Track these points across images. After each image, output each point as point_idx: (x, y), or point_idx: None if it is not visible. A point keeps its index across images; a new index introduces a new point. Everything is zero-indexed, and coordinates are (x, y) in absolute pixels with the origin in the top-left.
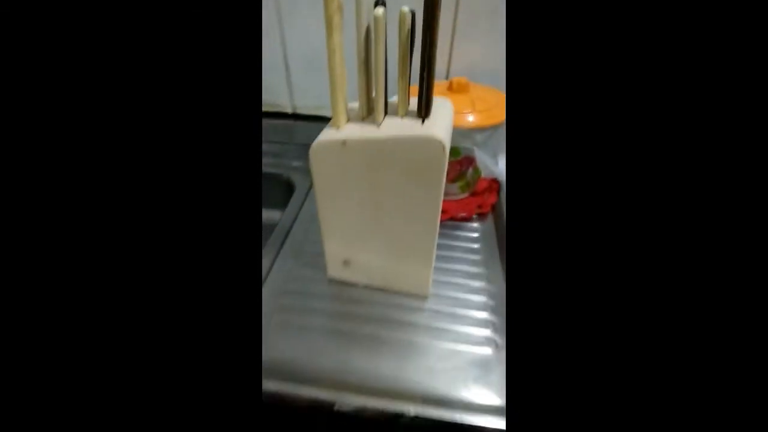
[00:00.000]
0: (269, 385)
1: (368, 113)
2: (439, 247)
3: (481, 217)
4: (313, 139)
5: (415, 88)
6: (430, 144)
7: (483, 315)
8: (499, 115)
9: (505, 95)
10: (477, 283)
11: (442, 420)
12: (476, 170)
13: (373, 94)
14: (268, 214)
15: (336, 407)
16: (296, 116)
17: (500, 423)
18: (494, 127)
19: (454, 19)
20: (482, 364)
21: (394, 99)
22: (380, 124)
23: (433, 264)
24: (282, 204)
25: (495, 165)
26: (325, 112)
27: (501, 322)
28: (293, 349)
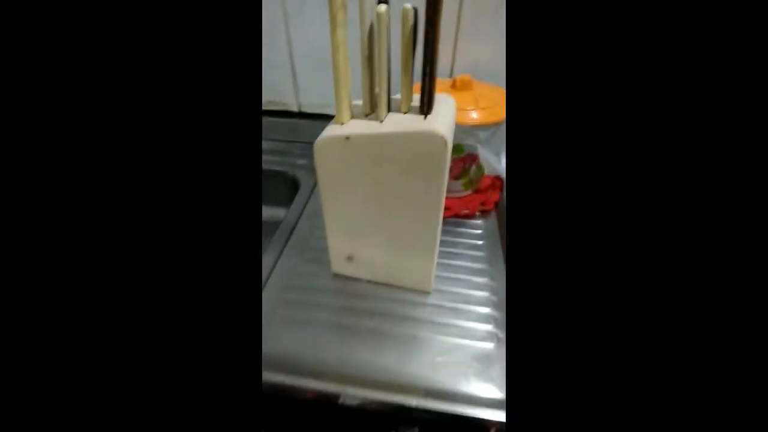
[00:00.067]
0: (273, 377)
1: (372, 110)
2: (443, 243)
3: (484, 214)
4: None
5: (418, 85)
6: (431, 139)
7: (485, 310)
8: (502, 112)
9: None
10: (480, 279)
11: (444, 412)
12: (479, 167)
13: (377, 91)
14: (274, 212)
15: (340, 400)
16: (302, 115)
17: (501, 416)
18: (497, 125)
19: (458, 18)
20: (484, 358)
21: (397, 96)
22: (383, 120)
23: (436, 259)
24: (287, 201)
25: (498, 162)
26: (330, 111)
27: (503, 317)
28: (297, 342)
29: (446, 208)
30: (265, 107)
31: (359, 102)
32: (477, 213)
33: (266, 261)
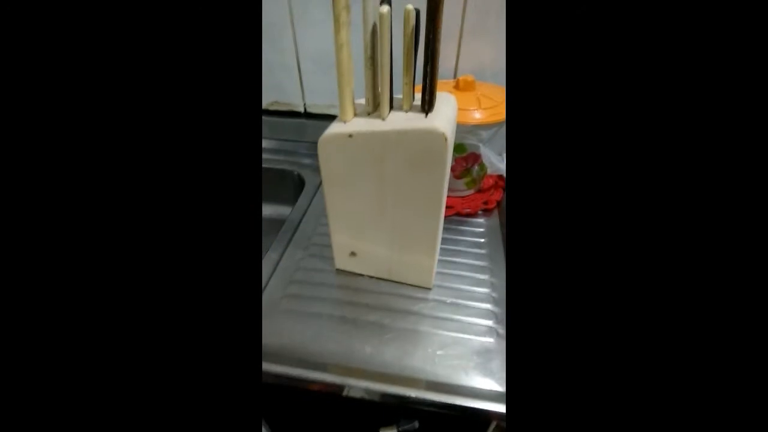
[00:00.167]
0: (276, 368)
1: (374, 108)
2: (445, 241)
3: (486, 212)
4: None
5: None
6: (432, 136)
7: (486, 306)
8: (505, 112)
9: None
10: (481, 276)
11: (444, 404)
12: (482, 167)
13: (379, 90)
14: (279, 209)
15: (344, 392)
16: (308, 115)
17: (500, 408)
18: (500, 124)
19: (462, 19)
20: (484, 352)
21: (400, 96)
22: (385, 118)
23: (437, 256)
24: (293, 199)
25: (500, 162)
26: (336, 111)
27: (503, 312)
28: (301, 335)
29: (449, 207)
30: (271, 107)
31: (362, 101)
32: (479, 212)
33: (271, 257)
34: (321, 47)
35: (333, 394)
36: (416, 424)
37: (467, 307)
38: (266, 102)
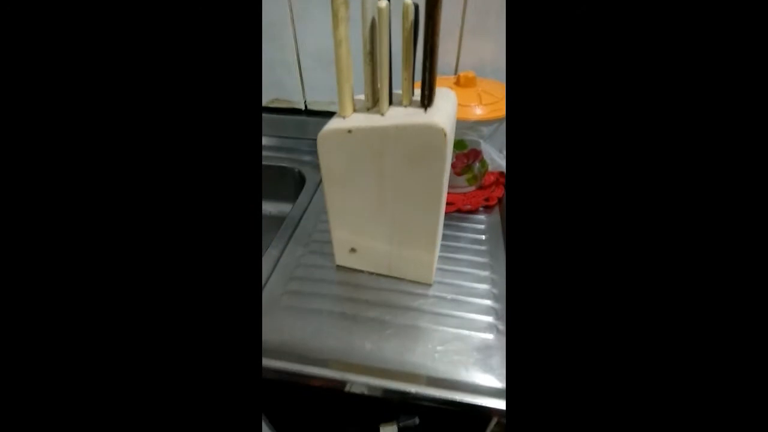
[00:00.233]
0: (275, 363)
1: (374, 103)
2: (446, 237)
3: (487, 209)
4: None
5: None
6: (431, 131)
7: (486, 302)
8: (505, 108)
9: None
10: (481, 272)
11: (445, 399)
12: (483, 163)
13: (378, 85)
14: (280, 207)
15: (346, 388)
16: (309, 112)
17: (500, 404)
18: (500, 120)
19: (463, 16)
20: (484, 348)
21: (400, 91)
22: (385, 114)
23: (437, 252)
24: (293, 197)
25: (501, 158)
26: (336, 108)
27: (503, 309)
28: (301, 331)
29: (449, 204)
30: (272, 105)
31: (362, 96)
32: (480, 208)
33: (271, 254)
34: (321, 44)
35: (333, 390)
36: (417, 420)
37: (467, 303)
38: (267, 99)
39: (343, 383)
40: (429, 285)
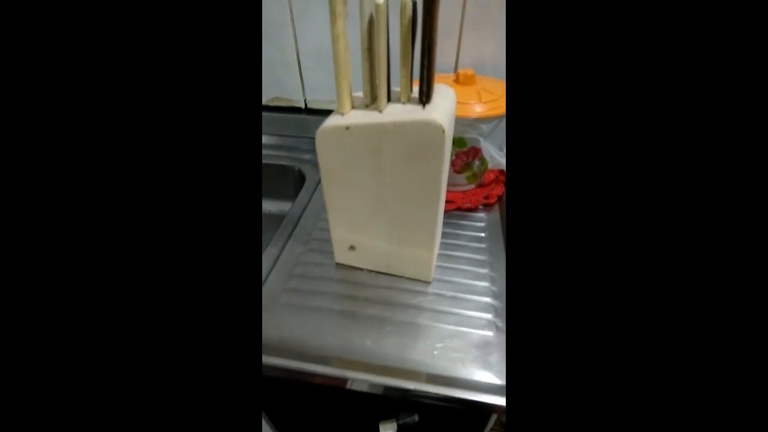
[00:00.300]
0: (274, 360)
1: (372, 100)
2: (445, 235)
3: (487, 207)
4: None
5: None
6: (429, 127)
7: (485, 300)
8: (504, 106)
9: None
10: (480, 270)
11: (444, 396)
12: (483, 161)
13: (377, 82)
14: (280, 205)
15: (344, 385)
16: (308, 110)
17: (499, 401)
18: (500, 118)
19: (463, 13)
20: (483, 345)
21: (398, 88)
22: (383, 110)
23: (437, 249)
24: (293, 195)
25: (501, 156)
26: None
27: (503, 306)
28: (300, 328)
29: (449, 202)
30: (272, 103)
31: (360, 94)
32: (480, 206)
33: (271, 252)
34: (321, 43)
35: (332, 388)
36: (416, 418)
37: (467, 300)
38: (267, 98)
39: (342, 380)
40: (428, 282)
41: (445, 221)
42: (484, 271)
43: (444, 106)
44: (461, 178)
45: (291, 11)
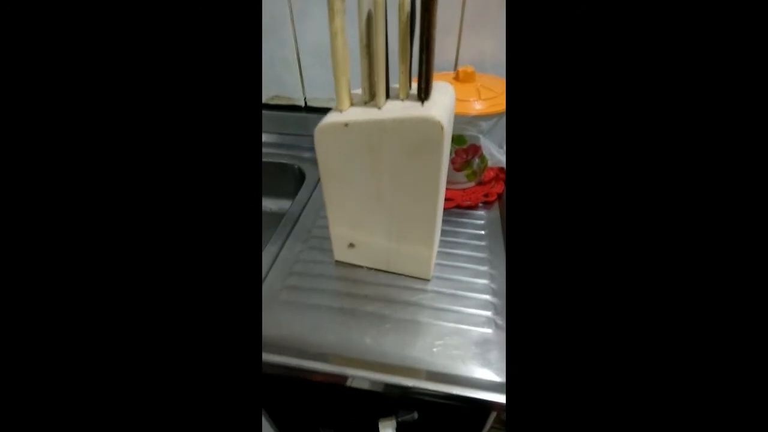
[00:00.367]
0: (273, 358)
1: (371, 97)
2: (445, 233)
3: (487, 205)
4: None
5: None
6: (428, 124)
7: (485, 297)
8: (504, 103)
9: None
10: (480, 267)
11: (444, 393)
12: (483, 159)
13: (375, 79)
14: (280, 203)
15: (344, 383)
16: (308, 109)
17: (499, 398)
18: (500, 115)
19: (462, 10)
20: (482, 343)
21: (397, 85)
22: (382, 107)
23: (436, 246)
24: (293, 193)
25: (501, 154)
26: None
27: (502, 304)
28: (300, 326)
29: (449, 200)
30: (272, 102)
31: (359, 91)
32: (479, 204)
33: (270, 249)
34: (321, 41)
35: (332, 385)
36: (415, 415)
37: (466, 297)
38: (267, 96)
39: (342, 378)
40: (428, 280)
41: (444, 219)
42: (484, 268)
43: (443, 103)
44: (461, 175)
45: (291, 9)
